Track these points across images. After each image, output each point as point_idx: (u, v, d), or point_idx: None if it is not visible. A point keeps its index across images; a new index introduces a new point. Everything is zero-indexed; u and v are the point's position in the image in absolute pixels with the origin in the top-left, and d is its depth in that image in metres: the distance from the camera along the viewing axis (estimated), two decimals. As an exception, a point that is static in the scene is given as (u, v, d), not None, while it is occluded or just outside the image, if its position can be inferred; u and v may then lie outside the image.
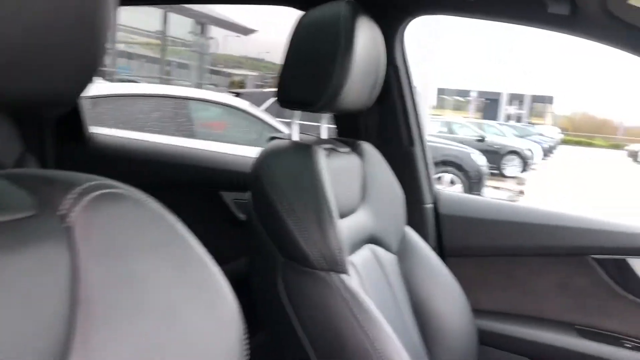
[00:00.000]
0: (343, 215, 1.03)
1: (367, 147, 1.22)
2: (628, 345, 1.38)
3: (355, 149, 1.19)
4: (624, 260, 1.37)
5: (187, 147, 1.74)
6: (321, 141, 1.11)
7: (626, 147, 27.70)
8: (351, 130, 1.48)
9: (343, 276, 0.90)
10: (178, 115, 4.61)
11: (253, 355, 1.06)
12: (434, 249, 1.34)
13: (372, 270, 1.12)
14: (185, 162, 1.64)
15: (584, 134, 41.56)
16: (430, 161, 1.53)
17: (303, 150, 0.99)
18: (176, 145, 1.74)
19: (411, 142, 1.49)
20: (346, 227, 1.02)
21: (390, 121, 1.49)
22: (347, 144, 1.19)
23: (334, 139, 1.20)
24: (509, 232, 1.47)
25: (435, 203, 1.52)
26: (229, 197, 1.62)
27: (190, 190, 1.63)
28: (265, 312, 0.99)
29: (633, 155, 23.41)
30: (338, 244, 0.90)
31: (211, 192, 1.62)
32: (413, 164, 1.49)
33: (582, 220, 1.45)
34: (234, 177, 1.58)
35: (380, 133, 1.48)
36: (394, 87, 1.46)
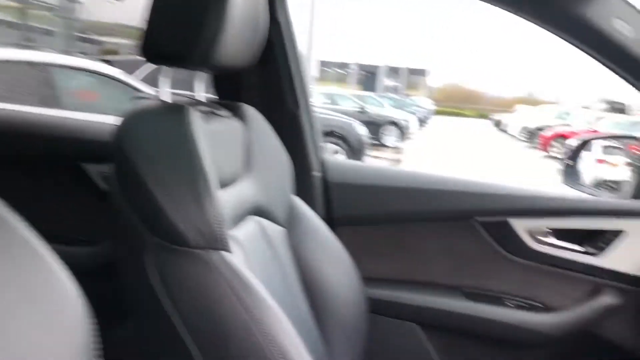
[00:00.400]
0: (223, 185, 0.92)
1: (250, 111, 1.11)
2: (510, 304, 1.42)
3: (237, 113, 1.07)
4: (505, 222, 1.39)
5: (42, 115, 1.52)
6: (196, 103, 0.98)
7: (491, 117, 29.84)
8: (232, 92, 1.35)
9: (224, 254, 0.79)
10: (40, 83, 4.18)
11: (121, 348, 0.93)
12: (323, 218, 1.28)
13: (258, 244, 1.03)
14: (40, 132, 1.43)
15: (454, 104, 44.13)
16: (317, 127, 1.46)
17: (174, 112, 0.86)
18: (29, 113, 1.51)
19: (296, 106, 1.40)
20: (227, 199, 0.91)
21: (273, 83, 1.38)
22: (227, 107, 1.07)
23: (212, 101, 1.08)
24: (397, 198, 1.44)
25: (323, 171, 1.46)
26: (94, 170, 1.43)
27: (47, 164, 1.42)
28: (134, 300, 0.86)
29: (497, 124, 25.26)
30: (217, 218, 0.79)
31: (73, 165, 1.43)
32: (299, 130, 1.41)
33: (467, 183, 1.45)
34: (98, 147, 1.40)
35: (263, 96, 1.38)
36: (277, 46, 1.35)
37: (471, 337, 1.45)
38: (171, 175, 0.79)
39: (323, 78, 33.24)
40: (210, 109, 0.99)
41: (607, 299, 1.35)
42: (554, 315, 1.39)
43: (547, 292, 1.41)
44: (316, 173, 1.43)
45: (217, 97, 1.37)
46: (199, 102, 0.99)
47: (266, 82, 1.39)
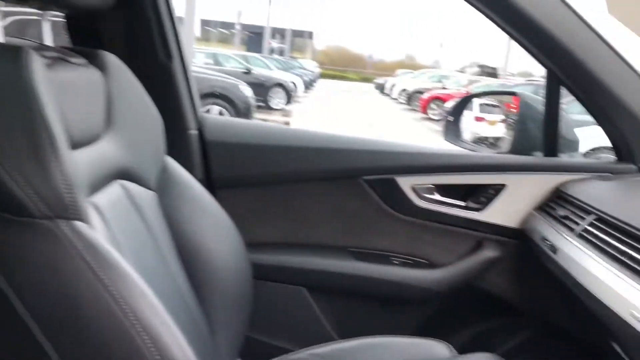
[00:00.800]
0: (78, 145, 0.78)
1: (111, 59, 0.96)
2: (396, 262, 1.41)
3: (94, 61, 0.92)
4: (392, 179, 1.37)
5: None
6: (41, 47, 0.82)
7: (374, 80, 30.59)
8: (90, 38, 1.18)
9: (77, 224, 0.67)
10: None
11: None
12: (201, 181, 1.17)
13: (124, 212, 0.91)
14: None
15: (339, 67, 44.65)
16: (193, 81, 1.33)
17: (8, 55, 0.71)
18: None
19: (169, 57, 1.26)
20: (83, 161, 0.78)
21: (141, 29, 1.23)
22: (82, 54, 0.91)
23: (63, 47, 0.92)
24: (282, 157, 1.36)
25: (200, 129, 1.34)
26: None
27: None
28: None
29: (380, 87, 25.95)
30: (67, 183, 0.66)
31: None
32: (172, 83, 1.27)
33: (353, 142, 1.41)
34: None
35: (129, 44, 1.22)
36: None
37: (358, 297, 1.44)
38: (5, 132, 0.65)
39: (206, 38, 32.17)
40: (59, 54, 0.83)
41: (488, 253, 1.38)
42: (438, 271, 1.40)
43: (432, 249, 1.42)
44: (192, 131, 1.31)
45: (72, 42, 1.20)
46: (45, 47, 0.84)
47: (132, 29, 1.23)
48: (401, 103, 19.17)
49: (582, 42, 1.20)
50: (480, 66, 25.28)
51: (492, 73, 23.36)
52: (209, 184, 1.30)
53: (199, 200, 1.10)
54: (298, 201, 1.40)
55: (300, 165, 1.37)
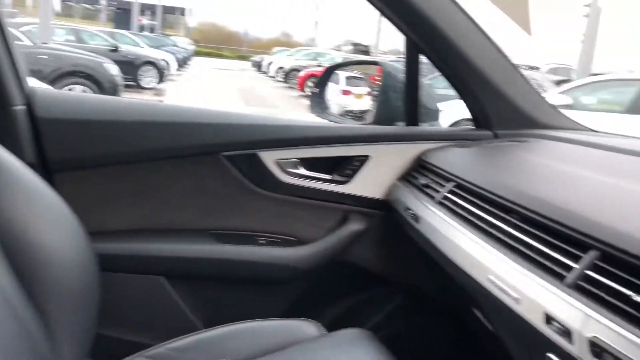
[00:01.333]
0: None
1: None
2: (262, 242, 1.34)
3: None
4: (254, 155, 1.29)
5: None
6: None
7: (251, 58, 30.25)
8: None
9: None
10: None
11: None
12: (33, 164, 1.02)
13: None
14: None
15: (214, 45, 43.57)
16: (15, 48, 1.14)
17: None
18: None
19: None
20: None
21: None
22: None
23: None
24: (129, 134, 1.22)
25: (29, 104, 1.16)
26: None
27: None
28: None
29: (257, 65, 25.71)
30: None
31: None
32: None
33: (211, 115, 1.30)
34: None
35: None
36: None
37: (224, 281, 1.35)
38: None
39: (67, 14, 29.88)
40: None
41: (355, 226, 1.36)
42: (306, 247, 1.35)
43: (299, 225, 1.37)
44: (18, 107, 1.13)
45: None
46: None
47: None
48: (279, 81, 19.12)
49: (439, 9, 1.19)
50: (354, 44, 25.93)
51: (365, 51, 24.06)
52: (43, 167, 1.14)
53: (27, 186, 0.95)
54: (151, 182, 1.28)
55: (152, 142, 1.24)
